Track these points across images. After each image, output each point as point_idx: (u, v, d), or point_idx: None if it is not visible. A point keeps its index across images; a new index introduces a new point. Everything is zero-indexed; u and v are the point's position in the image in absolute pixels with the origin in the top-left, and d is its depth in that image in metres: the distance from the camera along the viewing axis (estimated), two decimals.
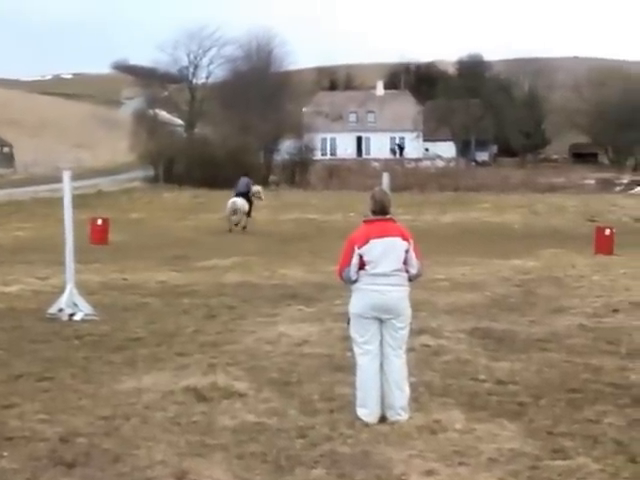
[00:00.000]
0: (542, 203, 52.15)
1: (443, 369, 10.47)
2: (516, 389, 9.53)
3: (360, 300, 8.29)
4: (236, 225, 37.06)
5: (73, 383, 9.77)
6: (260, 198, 39.33)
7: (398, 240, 8.26)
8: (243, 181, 38.84)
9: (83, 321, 13.81)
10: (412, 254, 8.33)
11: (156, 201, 56.72)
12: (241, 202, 37.16)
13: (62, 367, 10.52)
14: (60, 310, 14.08)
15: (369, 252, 8.18)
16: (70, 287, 14.26)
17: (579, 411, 8.66)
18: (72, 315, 13.99)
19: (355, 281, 8.30)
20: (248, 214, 37.54)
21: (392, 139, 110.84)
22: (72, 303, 14.16)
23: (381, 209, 8.36)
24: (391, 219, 8.38)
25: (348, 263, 8.26)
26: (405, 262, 8.30)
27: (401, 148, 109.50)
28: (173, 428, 8.09)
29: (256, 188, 39.47)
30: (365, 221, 8.45)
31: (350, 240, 8.33)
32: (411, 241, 8.34)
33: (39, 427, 8.08)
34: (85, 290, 15.24)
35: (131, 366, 10.60)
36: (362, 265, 8.22)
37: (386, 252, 8.19)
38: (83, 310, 14.14)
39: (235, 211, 37.21)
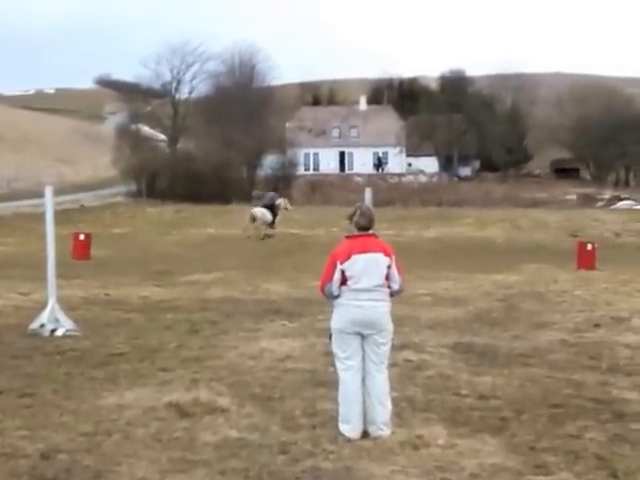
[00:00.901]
0: (524, 218, 52.38)
1: (425, 384, 10.47)
2: (498, 404, 9.54)
3: (342, 315, 8.29)
4: (249, 237, 40.21)
5: (55, 399, 9.72)
6: (286, 209, 42.38)
7: (380, 256, 8.28)
8: (269, 195, 43.31)
9: (65, 337, 13.75)
10: (394, 270, 8.35)
11: (139, 216, 56.70)
12: (261, 212, 40.71)
13: (43, 383, 10.47)
14: (42, 326, 14.02)
15: (351, 267, 8.19)
16: (52, 302, 14.20)
17: (561, 426, 8.68)
18: (54, 331, 13.94)
19: (337, 296, 8.30)
20: (272, 224, 41.12)
21: (375, 154, 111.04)
22: (54, 318, 14.10)
23: (365, 225, 8.37)
24: (373, 235, 8.39)
25: (330, 278, 8.26)
26: (387, 278, 8.31)
27: (380, 161, 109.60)
28: (155, 444, 8.06)
29: (280, 200, 42.57)
30: (347, 237, 8.47)
31: (332, 255, 8.33)
32: (393, 257, 8.36)
33: (20, 443, 8.03)
34: (67, 305, 15.18)
35: (113, 382, 10.56)
36: (344, 280, 8.23)
37: (368, 268, 8.20)
38: (65, 326, 14.09)
39: (254, 219, 40.70)
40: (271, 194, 44.07)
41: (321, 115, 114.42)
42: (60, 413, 9.10)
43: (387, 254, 8.32)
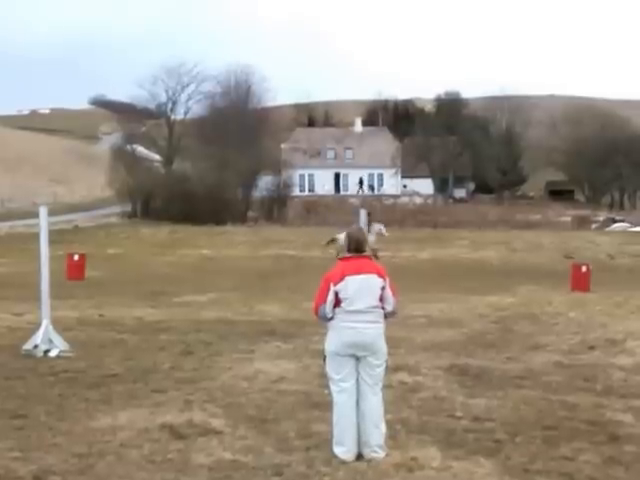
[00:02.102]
0: (519, 240, 52.45)
1: (420, 406, 10.45)
2: (492, 426, 9.52)
3: (336, 337, 8.28)
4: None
5: (47, 420, 9.69)
6: (382, 234, 38.87)
7: (374, 277, 8.27)
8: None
9: (58, 357, 13.72)
10: (388, 291, 8.34)
11: (134, 237, 56.70)
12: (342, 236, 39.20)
13: (37, 404, 10.43)
14: (35, 346, 13.98)
15: (345, 289, 8.18)
16: (46, 323, 14.16)
17: (555, 448, 8.67)
18: (47, 351, 13.90)
19: (331, 318, 8.28)
20: None
21: (370, 176, 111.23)
22: (47, 339, 14.06)
23: (356, 247, 8.38)
24: (367, 256, 8.39)
25: (324, 300, 8.25)
26: (381, 299, 8.30)
27: (361, 183, 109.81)
28: (148, 466, 8.03)
29: (377, 226, 38.95)
30: (341, 258, 8.47)
31: (326, 277, 8.33)
32: (387, 278, 8.35)
33: (13, 465, 8.00)
34: (61, 326, 15.15)
35: (107, 403, 10.53)
36: (338, 302, 8.22)
37: (362, 289, 8.20)
38: (59, 346, 14.06)
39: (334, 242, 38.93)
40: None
41: (316, 136, 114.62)
42: (53, 434, 9.08)
43: (381, 275, 8.32)
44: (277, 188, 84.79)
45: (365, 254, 8.39)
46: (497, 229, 63.89)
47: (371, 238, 39.27)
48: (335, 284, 8.19)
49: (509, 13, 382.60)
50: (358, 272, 8.22)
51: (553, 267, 38.60)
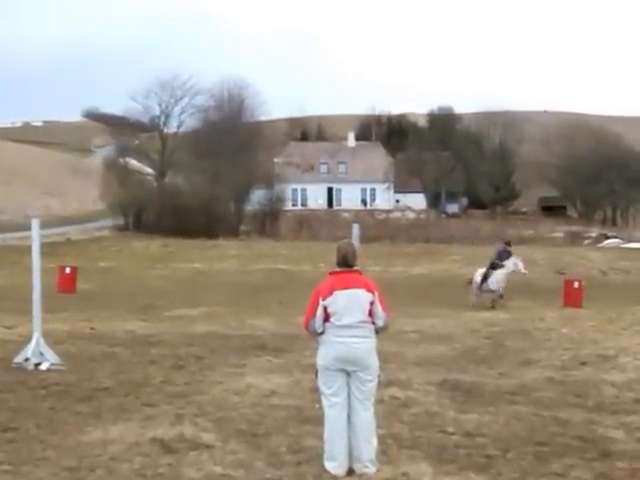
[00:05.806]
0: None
1: (412, 421, 10.43)
2: (484, 442, 9.50)
3: (326, 352, 8.26)
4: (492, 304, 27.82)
5: (38, 433, 9.65)
6: (519, 270, 29.02)
7: (362, 292, 8.25)
8: (498, 249, 30.47)
9: (49, 371, 13.68)
10: (378, 306, 8.30)
11: (125, 250, 56.68)
12: (479, 275, 28.94)
13: (27, 417, 10.39)
14: (26, 359, 13.95)
15: (333, 303, 8.17)
16: (37, 336, 14.13)
17: (546, 464, 8.65)
18: (38, 364, 13.87)
19: (321, 333, 8.27)
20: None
21: (363, 190, 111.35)
22: (38, 352, 14.03)
23: (344, 261, 8.36)
24: (356, 271, 8.37)
25: (313, 315, 8.24)
26: (371, 314, 8.28)
27: (331, 197, 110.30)
28: None
29: (513, 261, 29.29)
30: (330, 273, 8.46)
31: (315, 292, 8.32)
32: (376, 293, 8.32)
33: (2, 478, 7.96)
34: (52, 339, 15.11)
35: (97, 417, 10.50)
36: (327, 317, 8.21)
37: (350, 304, 8.18)
38: (50, 359, 14.02)
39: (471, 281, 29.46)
40: (501, 247, 30.38)
41: (309, 151, 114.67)
42: (43, 448, 9.04)
43: (369, 290, 8.29)
44: (270, 202, 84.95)
45: (355, 269, 8.37)
46: (490, 244, 63.86)
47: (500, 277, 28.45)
48: (324, 299, 8.19)
49: (503, 29, 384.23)
50: (346, 287, 8.20)
51: (545, 283, 38.63)
